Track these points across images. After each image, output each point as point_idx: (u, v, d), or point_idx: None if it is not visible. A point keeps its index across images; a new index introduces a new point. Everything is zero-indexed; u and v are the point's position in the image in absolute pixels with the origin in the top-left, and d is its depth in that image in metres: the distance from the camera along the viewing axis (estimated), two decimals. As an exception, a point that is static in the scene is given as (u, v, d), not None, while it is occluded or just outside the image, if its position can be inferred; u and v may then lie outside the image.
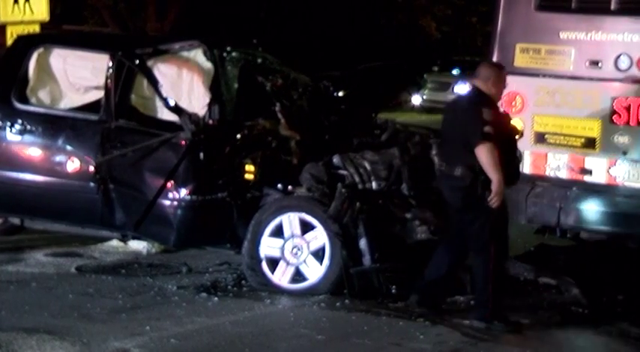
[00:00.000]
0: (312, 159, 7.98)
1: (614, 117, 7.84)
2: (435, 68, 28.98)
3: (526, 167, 8.23)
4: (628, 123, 7.81)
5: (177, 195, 7.74)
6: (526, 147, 8.22)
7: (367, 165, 7.98)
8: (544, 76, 8.25)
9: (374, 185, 7.92)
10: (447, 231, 7.33)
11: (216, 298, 7.50)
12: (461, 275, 7.91)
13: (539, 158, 8.20)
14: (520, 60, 8.36)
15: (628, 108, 7.87)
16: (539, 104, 8.21)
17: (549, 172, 8.15)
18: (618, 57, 7.97)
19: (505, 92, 8.29)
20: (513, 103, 8.29)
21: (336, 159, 8.00)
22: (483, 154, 6.80)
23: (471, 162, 6.86)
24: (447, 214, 7.29)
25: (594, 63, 8.06)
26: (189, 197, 7.74)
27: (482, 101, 6.98)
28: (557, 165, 8.09)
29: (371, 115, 9.15)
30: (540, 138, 8.17)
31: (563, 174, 8.07)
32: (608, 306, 7.49)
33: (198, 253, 8.59)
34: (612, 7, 8.01)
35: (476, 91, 7.08)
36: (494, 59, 8.48)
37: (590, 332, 6.95)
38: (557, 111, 7.98)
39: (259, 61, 8.86)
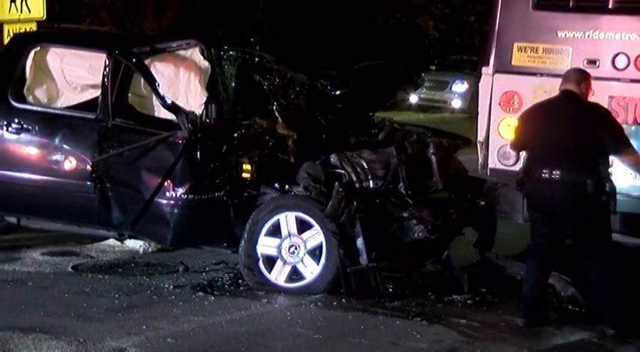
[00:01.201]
0: (309, 158, 7.98)
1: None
2: (433, 67, 28.98)
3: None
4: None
5: (174, 194, 7.73)
6: None
7: (364, 164, 7.97)
8: (542, 75, 8.25)
9: (371, 184, 7.92)
10: (540, 245, 7.09)
11: (212, 297, 7.50)
12: (458, 275, 7.92)
13: None
14: (518, 59, 8.36)
15: (625, 107, 7.87)
16: None
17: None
18: (616, 56, 7.97)
19: (502, 91, 8.31)
20: (511, 102, 8.30)
21: (333, 158, 8.00)
22: (632, 158, 6.92)
23: (597, 168, 6.87)
24: (539, 226, 7.07)
25: (592, 62, 8.06)
26: (186, 196, 7.74)
27: (603, 107, 7.11)
28: None
29: (368, 114, 9.15)
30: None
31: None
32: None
33: (195, 252, 8.58)
34: (610, 6, 8.02)
35: (574, 95, 7.01)
36: (492, 58, 8.49)
37: (586, 331, 6.93)
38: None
39: (256, 59, 8.85)
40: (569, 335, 6.90)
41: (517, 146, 7.44)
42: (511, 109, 8.27)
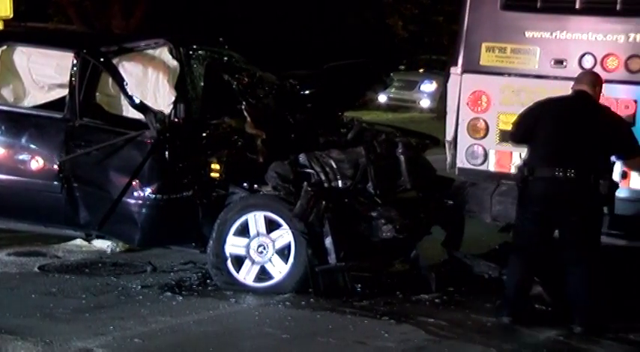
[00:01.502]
0: (278, 157, 7.98)
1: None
2: (402, 67, 29.06)
3: (491, 165, 8.27)
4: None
5: (142, 194, 7.70)
6: (491, 145, 8.27)
7: (333, 164, 7.98)
8: (510, 75, 8.29)
9: (340, 183, 7.93)
10: (527, 245, 7.06)
11: (180, 297, 7.47)
12: (426, 274, 7.94)
13: (504, 156, 8.23)
14: (486, 59, 8.39)
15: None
16: (504, 103, 8.25)
17: (514, 170, 8.19)
18: (583, 56, 8.02)
19: (470, 91, 8.35)
20: (479, 102, 8.33)
21: (302, 158, 8.00)
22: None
23: (607, 169, 6.96)
24: (529, 225, 7.04)
25: (559, 62, 8.11)
26: (154, 196, 7.71)
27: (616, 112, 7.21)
28: None
29: (337, 114, 9.16)
30: (505, 136, 8.20)
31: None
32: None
33: (163, 252, 8.55)
34: (577, 6, 8.07)
35: (590, 97, 7.08)
36: (460, 58, 8.51)
37: (552, 329, 6.98)
38: (522, 109, 8.00)
39: (225, 59, 8.83)
40: (536, 333, 6.94)
41: (518, 138, 7.36)
42: (479, 109, 8.31)
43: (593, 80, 7.17)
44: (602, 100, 7.39)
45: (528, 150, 7.19)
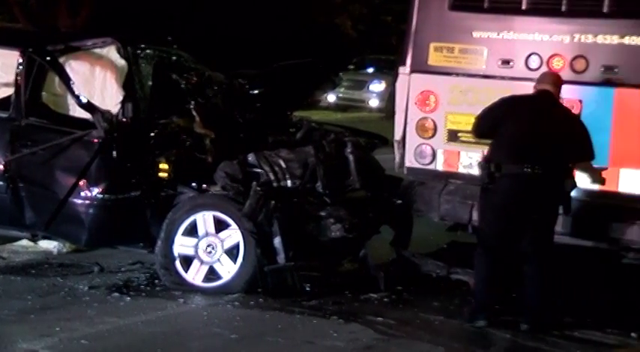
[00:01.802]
0: (226, 157, 7.96)
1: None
2: (351, 66, 29.13)
3: (439, 165, 8.32)
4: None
5: (89, 194, 7.64)
6: (439, 145, 8.32)
7: (282, 164, 7.98)
8: (457, 74, 8.34)
9: (289, 183, 7.94)
10: (493, 246, 7.04)
11: (128, 298, 7.42)
12: (375, 274, 7.97)
13: (452, 156, 8.29)
14: (434, 59, 8.44)
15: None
16: (452, 102, 8.30)
17: (462, 170, 8.25)
18: (529, 56, 8.10)
19: (419, 91, 8.39)
20: (427, 102, 8.37)
21: (251, 158, 7.99)
22: (591, 167, 7.23)
23: (572, 168, 7.04)
24: (493, 225, 7.04)
25: (506, 62, 8.18)
26: (101, 196, 7.65)
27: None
28: (470, 162, 8.19)
29: (286, 113, 9.16)
30: (453, 136, 8.26)
31: (476, 172, 8.16)
32: (517, 303, 7.59)
33: (111, 252, 8.48)
34: (523, 7, 8.14)
35: (554, 97, 7.16)
36: (409, 58, 8.54)
37: (500, 327, 7.03)
38: (470, 109, 8.07)
39: (174, 58, 8.78)
40: (483, 331, 6.99)
41: (482, 132, 7.30)
42: (427, 109, 8.35)
43: (555, 80, 7.25)
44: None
45: (493, 148, 7.16)
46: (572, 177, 7.07)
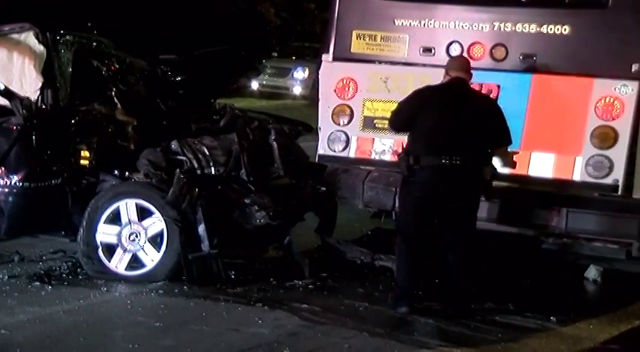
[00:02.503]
0: (149, 144, 7.91)
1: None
2: (274, 54, 29.08)
3: (352, 152, 8.34)
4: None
5: (8, 182, 7.54)
6: (354, 132, 8.35)
7: (206, 151, 7.95)
8: (380, 62, 8.40)
9: (212, 171, 7.91)
10: (413, 235, 7.05)
11: (50, 287, 7.33)
12: (299, 261, 7.99)
13: (366, 143, 8.32)
14: (356, 46, 8.48)
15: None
16: (371, 90, 8.34)
17: (375, 156, 8.29)
18: (450, 44, 8.19)
19: (339, 78, 8.42)
20: (346, 89, 8.40)
21: (174, 145, 7.94)
22: (507, 152, 7.21)
23: (490, 156, 7.04)
24: (413, 215, 7.03)
25: (427, 50, 8.26)
26: (21, 184, 7.55)
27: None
28: (383, 149, 8.24)
29: (209, 101, 9.11)
30: (369, 122, 8.30)
31: (388, 158, 8.21)
32: (437, 288, 7.68)
33: (31, 241, 8.35)
34: (444, -5, 8.23)
35: (468, 85, 7.12)
36: (332, 45, 8.57)
37: (424, 313, 7.11)
38: (388, 96, 8.12)
39: (94, 44, 8.67)
40: (407, 317, 7.05)
41: (399, 126, 7.25)
42: (346, 96, 8.38)
43: (466, 66, 7.20)
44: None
45: (411, 140, 7.11)
46: (491, 165, 7.12)
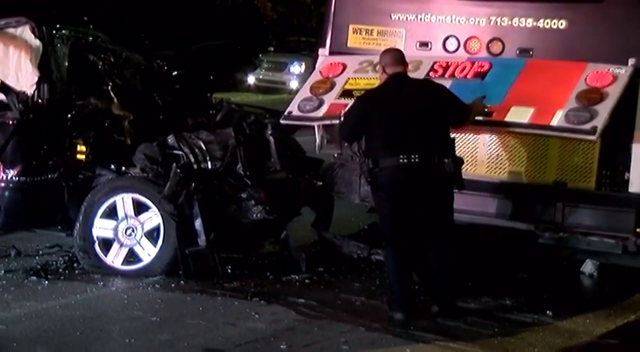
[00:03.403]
0: (146, 139, 7.90)
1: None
2: (271, 48, 29.07)
3: (321, 112, 8.22)
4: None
5: (4, 177, 7.55)
6: (330, 99, 8.19)
7: (202, 145, 7.95)
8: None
9: (209, 165, 7.91)
10: (400, 235, 6.87)
11: (46, 281, 7.33)
12: (296, 255, 8.00)
13: (337, 107, 8.21)
14: (353, 40, 8.48)
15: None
16: (358, 71, 8.23)
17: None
18: (447, 39, 8.19)
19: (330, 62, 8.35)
20: (334, 69, 8.34)
21: (170, 140, 7.94)
22: (470, 117, 7.14)
23: (450, 146, 6.88)
24: (395, 216, 6.84)
25: (424, 44, 8.26)
26: (17, 178, 7.56)
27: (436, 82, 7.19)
28: None
29: (206, 95, 9.12)
30: (347, 93, 8.18)
31: None
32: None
33: (28, 236, 8.36)
34: (441, -11, 8.22)
35: (407, 77, 7.00)
36: (328, 40, 8.56)
37: (419, 307, 7.10)
38: (373, 74, 8.05)
39: (90, 39, 8.68)
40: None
41: (349, 135, 7.18)
42: (332, 74, 8.30)
43: (401, 58, 7.02)
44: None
45: (366, 143, 7.00)
46: (454, 155, 6.90)
